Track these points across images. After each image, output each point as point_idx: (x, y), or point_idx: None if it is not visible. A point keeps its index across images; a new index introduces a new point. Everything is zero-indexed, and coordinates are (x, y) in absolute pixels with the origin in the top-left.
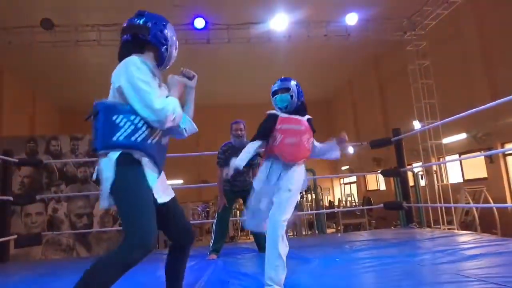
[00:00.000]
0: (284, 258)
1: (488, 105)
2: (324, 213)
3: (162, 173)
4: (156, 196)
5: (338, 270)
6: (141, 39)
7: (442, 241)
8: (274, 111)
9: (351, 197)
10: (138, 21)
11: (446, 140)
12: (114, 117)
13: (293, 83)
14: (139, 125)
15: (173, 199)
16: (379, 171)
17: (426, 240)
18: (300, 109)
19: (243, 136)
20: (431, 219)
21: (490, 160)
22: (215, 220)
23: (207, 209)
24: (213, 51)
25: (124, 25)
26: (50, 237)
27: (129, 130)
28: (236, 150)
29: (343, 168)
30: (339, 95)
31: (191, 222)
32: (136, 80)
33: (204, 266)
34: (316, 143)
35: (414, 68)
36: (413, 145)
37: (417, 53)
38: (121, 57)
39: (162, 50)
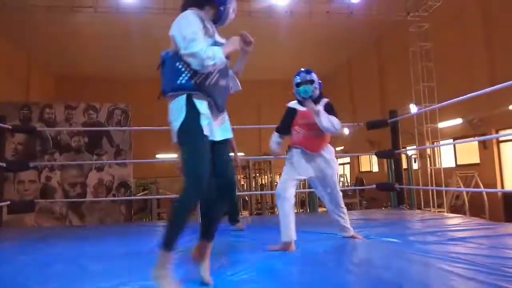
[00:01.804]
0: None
1: (484, 90)
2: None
3: (225, 113)
4: (208, 134)
5: (327, 247)
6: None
7: (432, 223)
8: (293, 104)
9: (344, 177)
10: None
11: (441, 125)
12: (177, 64)
13: (314, 76)
14: (185, 67)
15: (226, 142)
16: (374, 152)
17: (416, 221)
18: (319, 97)
19: None
20: (422, 202)
21: (484, 146)
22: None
23: None
24: None
25: None
26: (43, 205)
27: (189, 74)
28: None
29: (338, 148)
30: (338, 75)
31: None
32: (182, 29)
33: None
34: None
35: (415, 50)
36: (408, 128)
37: (419, 35)
38: (182, 10)
39: (221, 8)
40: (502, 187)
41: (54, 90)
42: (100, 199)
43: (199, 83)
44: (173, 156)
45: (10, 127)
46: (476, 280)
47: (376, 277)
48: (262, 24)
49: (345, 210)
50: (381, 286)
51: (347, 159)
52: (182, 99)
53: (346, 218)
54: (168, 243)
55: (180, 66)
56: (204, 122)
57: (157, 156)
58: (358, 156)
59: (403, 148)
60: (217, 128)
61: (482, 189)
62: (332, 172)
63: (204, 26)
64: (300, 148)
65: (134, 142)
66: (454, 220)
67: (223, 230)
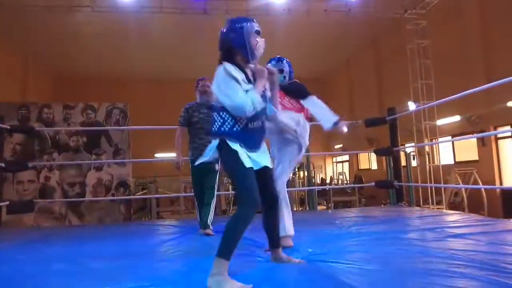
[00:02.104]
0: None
1: (482, 87)
2: (315, 190)
3: (263, 145)
4: (247, 164)
5: (328, 244)
6: (227, 49)
7: (431, 219)
8: None
9: (343, 175)
10: (224, 33)
11: (440, 122)
12: (214, 114)
13: (286, 64)
14: (226, 118)
15: (265, 168)
16: (372, 150)
17: (415, 218)
18: (288, 87)
19: (210, 93)
20: (421, 199)
21: (482, 143)
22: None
23: None
24: (210, 22)
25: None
26: (42, 205)
27: (219, 123)
28: (199, 108)
29: (336, 146)
30: (336, 73)
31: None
32: (221, 86)
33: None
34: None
35: (412, 47)
36: (407, 125)
37: (417, 32)
38: (219, 64)
39: (244, 50)
40: (501, 183)
41: (52, 90)
42: (99, 198)
43: (227, 130)
44: (171, 155)
45: (9, 127)
46: (475, 277)
47: (375, 273)
48: (260, 22)
49: None
50: (380, 283)
51: (346, 157)
52: (217, 142)
53: None
54: (227, 252)
55: (214, 117)
56: (242, 154)
57: (156, 155)
58: (357, 154)
59: (401, 145)
60: (254, 157)
61: (480, 185)
62: None
63: (235, 78)
64: None
65: (133, 141)
66: (453, 216)
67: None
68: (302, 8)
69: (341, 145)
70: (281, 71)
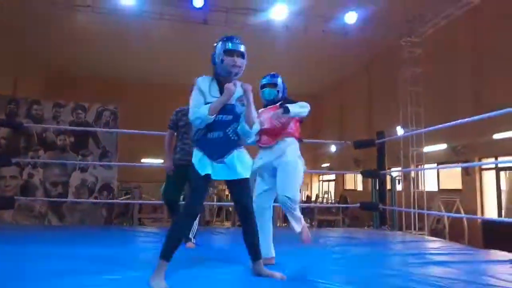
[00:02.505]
0: None
1: (469, 118)
2: (300, 207)
3: (232, 157)
4: (201, 171)
5: (310, 263)
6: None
7: (413, 245)
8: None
9: (328, 194)
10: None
11: (426, 149)
12: None
13: (279, 80)
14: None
15: (237, 180)
16: (359, 171)
17: (398, 243)
18: (282, 103)
19: None
20: (403, 224)
21: (466, 173)
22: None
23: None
24: (210, 33)
25: None
26: (22, 202)
27: (194, 131)
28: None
29: (323, 165)
30: (328, 93)
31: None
32: (191, 97)
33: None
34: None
35: (405, 74)
36: (394, 149)
37: (410, 60)
38: None
39: (215, 67)
40: (482, 214)
41: (44, 87)
42: (81, 200)
43: (195, 138)
44: (159, 161)
45: None
46: None
47: None
48: (259, 37)
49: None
50: None
51: (332, 176)
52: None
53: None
54: (166, 254)
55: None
56: (200, 163)
57: (143, 160)
58: (343, 174)
59: (388, 169)
60: (212, 167)
61: (463, 215)
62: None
63: (201, 92)
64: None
65: (121, 145)
66: (435, 243)
67: None
68: (300, 27)
69: (328, 164)
70: (274, 85)
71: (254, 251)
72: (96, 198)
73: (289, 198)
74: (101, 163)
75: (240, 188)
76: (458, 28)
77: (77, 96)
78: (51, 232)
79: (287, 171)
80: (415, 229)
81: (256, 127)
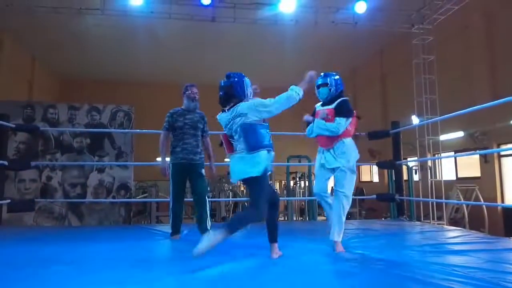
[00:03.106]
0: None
1: (486, 104)
2: (316, 200)
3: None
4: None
5: (326, 257)
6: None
7: (432, 234)
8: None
9: None
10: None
11: (443, 137)
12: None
13: (332, 78)
14: (261, 131)
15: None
16: (375, 162)
17: (416, 233)
18: (336, 98)
19: (197, 100)
20: (421, 214)
21: (485, 160)
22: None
23: None
24: (218, 30)
25: None
26: (42, 204)
27: (258, 136)
28: (185, 113)
29: None
30: None
31: None
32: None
33: None
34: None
35: (418, 62)
36: (409, 139)
37: (423, 47)
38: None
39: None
40: (502, 201)
41: (59, 90)
42: (100, 200)
43: None
44: None
45: (14, 125)
46: None
47: (375, 278)
48: (267, 31)
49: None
50: None
51: None
52: None
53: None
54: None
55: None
56: None
57: (158, 159)
58: (359, 166)
59: (404, 159)
60: None
61: (482, 202)
62: (342, 164)
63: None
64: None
65: (136, 144)
66: (454, 232)
67: None
68: (309, 19)
69: None
70: (325, 84)
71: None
72: (114, 197)
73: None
74: (118, 163)
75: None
76: (471, 12)
77: (91, 98)
78: (73, 233)
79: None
80: (433, 219)
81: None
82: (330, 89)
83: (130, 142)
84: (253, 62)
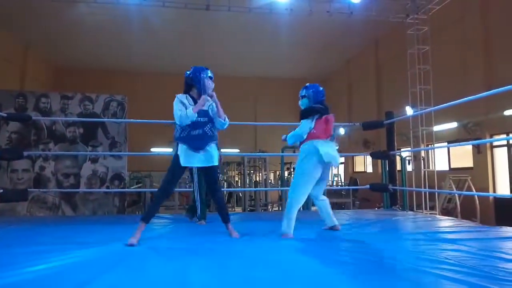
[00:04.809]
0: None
1: (480, 95)
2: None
3: (206, 148)
4: (182, 163)
5: (318, 245)
6: (188, 83)
7: (424, 223)
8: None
9: (338, 177)
10: (188, 75)
11: (436, 128)
12: (176, 126)
13: (310, 90)
14: (178, 128)
15: (209, 167)
16: (368, 153)
17: (408, 222)
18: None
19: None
20: (414, 204)
21: (478, 150)
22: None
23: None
24: (213, 19)
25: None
26: (36, 194)
27: (176, 131)
28: None
29: None
30: (336, 75)
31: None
32: (174, 107)
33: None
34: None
35: (413, 52)
36: (403, 130)
37: (418, 38)
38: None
39: (198, 85)
40: (494, 191)
41: (52, 79)
42: (93, 190)
43: (178, 136)
44: (168, 149)
45: (5, 114)
46: (466, 283)
47: (369, 275)
48: (262, 20)
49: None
50: (372, 287)
51: (342, 159)
52: (176, 143)
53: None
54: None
55: (176, 127)
56: (181, 154)
57: (152, 149)
58: (352, 156)
59: (397, 149)
60: (192, 158)
61: (474, 192)
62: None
63: (182, 103)
64: None
65: (130, 134)
66: (446, 222)
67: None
68: (304, 9)
69: (337, 147)
70: (304, 96)
71: (223, 217)
72: (108, 188)
73: None
74: (111, 153)
75: (211, 172)
76: (466, 2)
77: (84, 87)
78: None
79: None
80: (426, 209)
81: (227, 121)
82: (309, 100)
83: (124, 132)
84: (248, 51)
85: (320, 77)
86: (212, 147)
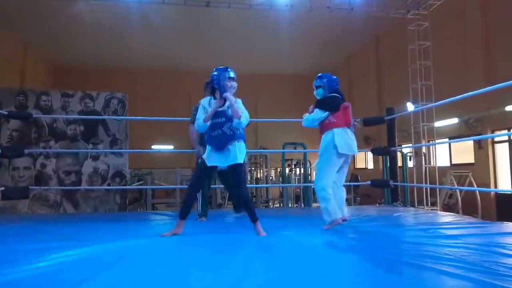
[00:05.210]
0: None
1: (481, 90)
2: (311, 187)
3: (228, 147)
4: (208, 163)
5: (320, 241)
6: (212, 87)
7: (425, 219)
8: None
9: None
10: (212, 76)
11: (437, 124)
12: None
13: (324, 80)
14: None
15: (230, 165)
16: (369, 149)
17: (409, 218)
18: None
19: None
20: (415, 200)
21: (479, 146)
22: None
23: None
24: (213, 16)
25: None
26: (37, 192)
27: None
28: None
29: None
30: (336, 71)
31: None
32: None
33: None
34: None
35: (414, 48)
36: (404, 126)
37: (418, 34)
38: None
39: (216, 87)
40: (496, 187)
41: (52, 77)
42: (94, 187)
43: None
44: (169, 147)
45: (6, 112)
46: (467, 278)
47: (369, 271)
48: (262, 17)
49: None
50: (373, 282)
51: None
52: None
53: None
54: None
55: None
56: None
57: (153, 147)
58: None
59: (398, 146)
60: (213, 157)
61: (475, 188)
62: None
63: (204, 108)
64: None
65: (131, 132)
66: (447, 218)
67: None
68: (305, 5)
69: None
70: (318, 86)
71: (249, 217)
72: (109, 185)
73: None
74: (112, 150)
75: (231, 171)
76: None
77: (85, 85)
78: (69, 220)
79: None
80: (427, 204)
81: (243, 120)
82: (324, 89)
83: (125, 129)
84: (248, 48)
85: (320, 72)
86: (235, 145)
